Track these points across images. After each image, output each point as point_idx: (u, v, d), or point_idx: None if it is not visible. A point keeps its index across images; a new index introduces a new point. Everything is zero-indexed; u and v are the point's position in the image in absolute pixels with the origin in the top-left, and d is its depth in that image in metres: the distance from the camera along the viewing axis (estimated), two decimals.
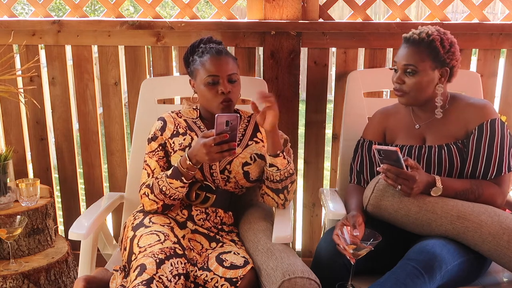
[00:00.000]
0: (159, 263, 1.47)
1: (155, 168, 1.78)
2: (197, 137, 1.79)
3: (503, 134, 1.70)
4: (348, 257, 1.54)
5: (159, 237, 1.58)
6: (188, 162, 1.64)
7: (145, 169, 1.80)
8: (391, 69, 1.78)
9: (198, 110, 1.88)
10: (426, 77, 1.71)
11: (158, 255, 1.49)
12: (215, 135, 1.56)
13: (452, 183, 1.67)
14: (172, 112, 1.87)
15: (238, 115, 1.57)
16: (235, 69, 1.76)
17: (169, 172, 1.69)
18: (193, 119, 1.85)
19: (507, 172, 1.69)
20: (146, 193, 1.73)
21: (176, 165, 1.68)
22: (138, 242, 1.59)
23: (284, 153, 1.74)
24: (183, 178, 1.66)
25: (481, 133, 1.69)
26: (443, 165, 1.72)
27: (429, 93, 1.74)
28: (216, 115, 1.54)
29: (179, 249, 1.56)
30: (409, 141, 1.81)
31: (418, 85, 1.71)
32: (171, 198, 1.71)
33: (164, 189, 1.69)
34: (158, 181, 1.70)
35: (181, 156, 1.73)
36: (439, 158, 1.73)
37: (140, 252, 1.54)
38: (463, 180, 1.70)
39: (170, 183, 1.67)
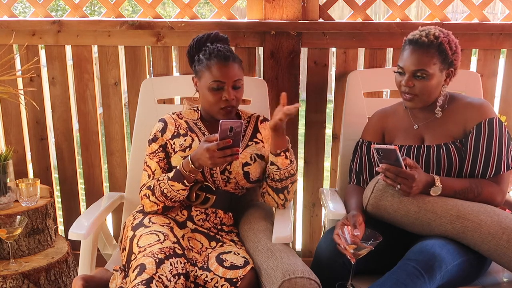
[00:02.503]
0: (159, 263, 1.47)
1: (155, 170, 1.78)
2: (198, 138, 1.79)
3: (501, 133, 1.69)
4: (348, 257, 1.54)
5: (158, 237, 1.58)
6: (190, 165, 1.64)
7: (146, 170, 1.80)
8: (396, 72, 1.75)
9: (199, 111, 1.88)
10: (436, 80, 1.70)
11: (157, 255, 1.49)
12: (218, 140, 1.57)
13: (451, 182, 1.67)
14: (173, 113, 1.87)
15: (242, 121, 1.57)
16: (240, 75, 1.75)
17: (171, 174, 1.69)
18: (194, 120, 1.85)
19: (505, 171, 1.69)
20: (147, 195, 1.73)
21: (178, 167, 1.68)
22: (138, 242, 1.59)
23: (288, 153, 1.74)
24: (185, 181, 1.66)
25: (479, 132, 1.69)
26: (442, 164, 1.72)
27: (437, 94, 1.74)
28: (220, 121, 1.55)
29: (179, 249, 1.56)
30: (407, 141, 1.80)
31: (429, 88, 1.70)
32: (172, 200, 1.71)
33: (165, 191, 1.69)
34: (160, 183, 1.70)
35: (182, 157, 1.73)
36: (437, 157, 1.72)
37: (139, 252, 1.54)
38: (462, 179, 1.70)
39: (172, 185, 1.67)
